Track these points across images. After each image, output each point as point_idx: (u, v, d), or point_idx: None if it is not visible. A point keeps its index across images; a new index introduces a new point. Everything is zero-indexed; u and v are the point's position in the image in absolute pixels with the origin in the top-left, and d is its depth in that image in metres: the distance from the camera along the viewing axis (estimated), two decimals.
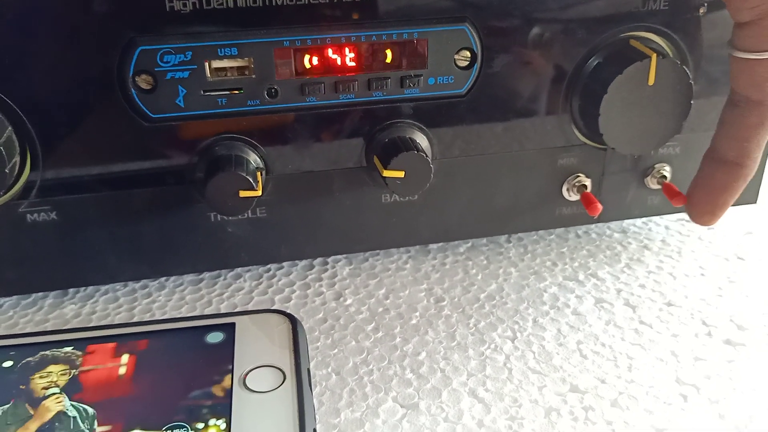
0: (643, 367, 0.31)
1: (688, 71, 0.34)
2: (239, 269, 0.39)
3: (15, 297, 0.36)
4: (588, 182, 0.39)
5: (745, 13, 0.30)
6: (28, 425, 0.26)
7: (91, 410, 0.27)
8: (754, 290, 0.37)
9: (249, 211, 0.35)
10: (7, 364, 0.29)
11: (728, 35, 0.32)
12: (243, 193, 0.32)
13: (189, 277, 0.38)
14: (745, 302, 0.36)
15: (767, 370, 0.31)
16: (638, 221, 0.43)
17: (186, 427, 0.26)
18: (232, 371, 0.28)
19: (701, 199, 0.36)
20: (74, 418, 0.26)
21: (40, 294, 0.37)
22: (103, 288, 0.37)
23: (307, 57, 0.32)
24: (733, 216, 0.44)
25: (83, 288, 0.37)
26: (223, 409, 0.26)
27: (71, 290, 0.37)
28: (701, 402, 0.29)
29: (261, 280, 0.38)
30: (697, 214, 0.36)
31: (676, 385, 0.30)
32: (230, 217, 0.35)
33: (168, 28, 0.30)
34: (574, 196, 0.39)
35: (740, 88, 0.32)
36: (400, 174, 0.33)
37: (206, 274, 0.38)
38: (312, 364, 0.31)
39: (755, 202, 0.42)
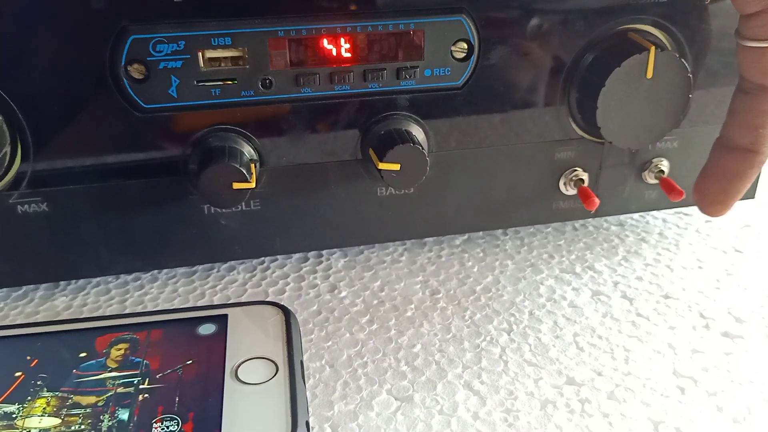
0: (640, 359, 0.31)
1: (686, 64, 0.34)
2: (233, 261, 0.38)
3: (5, 289, 0.36)
4: (585, 176, 0.38)
5: (753, 4, 0.29)
6: None
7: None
8: (752, 283, 0.36)
9: (243, 204, 0.35)
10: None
11: (727, 27, 0.32)
12: (236, 185, 0.32)
13: (182, 269, 0.38)
14: (743, 295, 0.35)
15: (765, 362, 0.31)
16: (636, 214, 0.43)
17: (176, 419, 0.25)
18: (224, 363, 0.28)
19: (714, 188, 0.34)
20: None
21: (31, 286, 0.36)
22: (95, 280, 0.37)
23: (302, 47, 0.32)
24: (730, 209, 0.43)
25: (74, 280, 0.37)
26: (215, 401, 0.26)
27: (62, 282, 0.37)
28: (699, 394, 0.29)
29: (255, 272, 0.38)
30: (708, 204, 0.35)
31: (674, 378, 0.30)
32: (224, 210, 0.35)
33: (161, 16, 0.30)
34: (571, 191, 0.39)
35: (751, 77, 0.31)
36: (396, 167, 0.33)
37: (199, 267, 0.38)
38: (306, 357, 0.31)
39: (753, 197, 0.42)
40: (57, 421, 0.25)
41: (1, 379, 0.27)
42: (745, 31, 0.31)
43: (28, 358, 0.28)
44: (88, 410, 0.26)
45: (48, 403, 0.26)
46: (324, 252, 0.39)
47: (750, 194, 0.42)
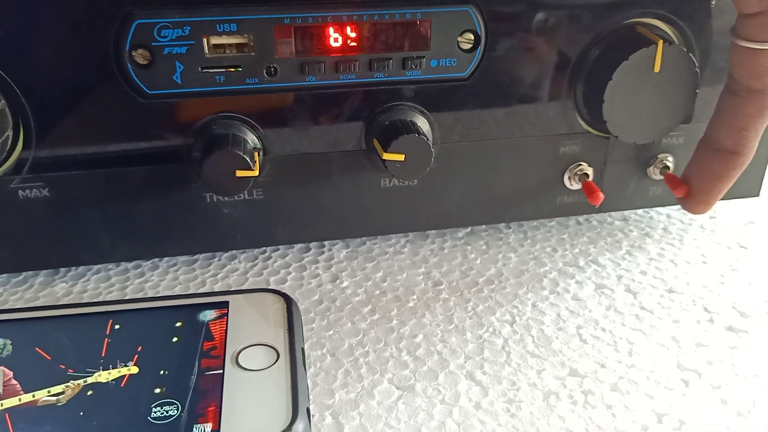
0: (643, 352, 0.31)
1: (694, 59, 0.34)
2: (234, 250, 0.38)
3: (5, 275, 0.36)
4: (590, 171, 0.38)
5: (753, 5, 0.30)
6: None
7: None
8: (757, 278, 0.36)
9: (245, 193, 0.35)
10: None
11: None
12: (240, 173, 0.31)
13: (183, 258, 0.38)
14: (747, 289, 0.35)
15: None
16: (640, 209, 0.43)
17: (176, 404, 0.25)
18: (224, 349, 0.28)
19: (697, 188, 0.36)
20: None
21: (31, 272, 0.36)
22: (95, 267, 0.37)
23: (307, 35, 0.32)
24: (735, 206, 0.44)
25: (75, 267, 0.36)
26: (215, 386, 0.26)
27: (62, 269, 0.36)
28: (703, 387, 0.29)
29: (256, 261, 0.38)
30: (692, 203, 0.36)
31: (678, 371, 0.29)
32: (226, 198, 0.35)
33: (166, 1, 0.30)
34: (576, 185, 0.39)
35: (741, 78, 0.32)
36: (400, 157, 0.33)
37: (200, 255, 0.38)
38: (307, 345, 0.31)
39: (758, 195, 0.42)
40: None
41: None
42: (741, 30, 0.31)
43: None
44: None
45: None
46: (326, 242, 0.39)
47: (754, 192, 0.42)
